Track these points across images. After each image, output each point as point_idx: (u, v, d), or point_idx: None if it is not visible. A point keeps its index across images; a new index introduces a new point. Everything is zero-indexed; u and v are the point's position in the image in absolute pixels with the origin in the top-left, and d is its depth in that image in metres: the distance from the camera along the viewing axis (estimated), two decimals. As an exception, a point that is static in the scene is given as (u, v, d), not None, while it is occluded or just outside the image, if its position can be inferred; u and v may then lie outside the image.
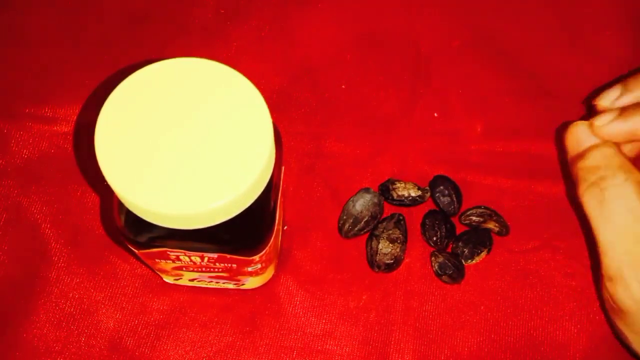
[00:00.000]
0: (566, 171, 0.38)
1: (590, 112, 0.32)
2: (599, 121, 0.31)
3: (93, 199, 0.39)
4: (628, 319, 0.31)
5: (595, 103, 0.33)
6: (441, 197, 0.38)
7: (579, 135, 0.31)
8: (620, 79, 0.34)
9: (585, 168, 0.30)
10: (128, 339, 0.36)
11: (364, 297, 0.37)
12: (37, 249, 0.37)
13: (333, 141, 0.40)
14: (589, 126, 0.31)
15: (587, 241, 0.38)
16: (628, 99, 0.32)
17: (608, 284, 0.31)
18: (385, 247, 0.36)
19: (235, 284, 0.35)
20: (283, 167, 0.32)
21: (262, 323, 0.36)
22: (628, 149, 0.33)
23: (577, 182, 0.31)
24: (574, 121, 0.33)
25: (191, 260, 0.29)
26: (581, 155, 0.31)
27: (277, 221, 0.30)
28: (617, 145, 0.31)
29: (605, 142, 0.31)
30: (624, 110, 0.31)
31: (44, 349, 0.35)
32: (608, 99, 0.32)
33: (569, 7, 0.44)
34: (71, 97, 0.41)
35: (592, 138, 0.31)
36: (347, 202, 0.38)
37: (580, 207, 0.31)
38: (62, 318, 0.36)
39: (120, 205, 0.27)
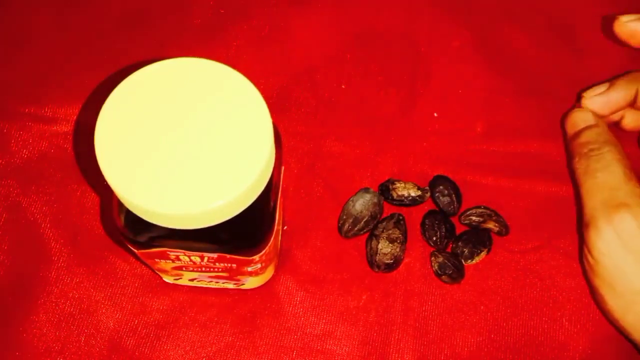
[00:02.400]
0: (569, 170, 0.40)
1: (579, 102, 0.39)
2: (588, 93, 0.38)
3: (93, 199, 0.39)
4: (601, 270, 0.33)
5: (583, 94, 0.38)
6: (441, 197, 0.38)
7: (576, 119, 0.37)
8: (610, 79, 0.39)
9: (579, 144, 0.36)
10: (128, 339, 0.36)
11: (364, 297, 0.37)
12: (37, 249, 0.37)
13: (333, 141, 0.40)
14: (583, 111, 0.37)
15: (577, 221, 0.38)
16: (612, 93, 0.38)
17: (585, 232, 0.34)
18: (385, 247, 0.36)
19: (235, 284, 0.35)
20: (283, 167, 0.32)
21: (262, 323, 0.36)
22: (629, 121, 0.39)
23: (572, 156, 0.37)
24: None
25: (191, 260, 0.29)
26: (577, 135, 0.37)
27: (277, 221, 0.30)
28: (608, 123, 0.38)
29: (597, 123, 0.37)
30: (610, 85, 0.38)
31: (44, 349, 0.35)
32: (595, 92, 0.38)
33: (569, 7, 0.44)
34: (71, 97, 0.41)
35: (587, 120, 0.37)
36: (347, 202, 0.38)
37: (573, 175, 0.36)
38: (62, 318, 0.36)
39: (120, 205, 0.27)
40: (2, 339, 0.35)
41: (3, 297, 0.36)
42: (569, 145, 0.38)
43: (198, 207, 0.23)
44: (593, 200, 0.34)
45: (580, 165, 0.35)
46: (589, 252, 0.34)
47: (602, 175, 0.34)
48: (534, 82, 0.42)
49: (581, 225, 0.35)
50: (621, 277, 0.33)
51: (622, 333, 0.35)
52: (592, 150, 0.35)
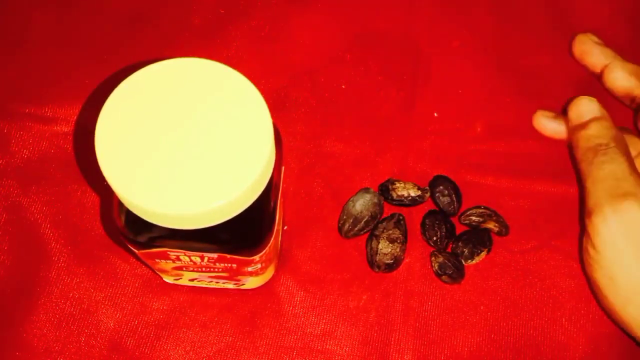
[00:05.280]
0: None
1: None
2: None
3: (93, 199, 0.39)
4: (602, 261, 0.33)
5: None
6: (441, 197, 0.38)
7: (582, 109, 0.37)
8: None
9: (586, 136, 0.36)
10: (128, 339, 0.36)
11: (364, 297, 0.37)
12: (37, 249, 0.37)
13: (333, 141, 0.40)
14: (590, 101, 0.37)
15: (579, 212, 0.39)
16: None
17: (587, 221, 0.34)
18: (385, 247, 0.36)
19: (235, 284, 0.35)
20: (283, 167, 0.32)
21: (262, 323, 0.36)
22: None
23: (576, 146, 0.37)
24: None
25: (191, 260, 0.29)
26: (583, 126, 0.37)
27: (277, 221, 0.30)
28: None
29: (603, 116, 0.37)
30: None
31: (44, 349, 0.35)
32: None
33: (569, 7, 0.44)
34: (71, 97, 0.41)
35: (593, 111, 0.37)
36: (347, 202, 0.38)
37: (578, 168, 0.36)
38: (62, 318, 0.36)
39: (120, 205, 0.27)
40: (2, 339, 0.35)
41: (3, 297, 0.36)
42: (572, 134, 0.37)
43: (198, 207, 0.23)
44: (599, 188, 0.34)
45: (586, 158, 0.35)
46: (591, 241, 0.34)
47: (609, 166, 0.34)
48: (534, 82, 0.42)
49: (583, 216, 0.35)
50: (622, 268, 0.33)
51: (622, 329, 0.35)
52: (599, 145, 0.35)
